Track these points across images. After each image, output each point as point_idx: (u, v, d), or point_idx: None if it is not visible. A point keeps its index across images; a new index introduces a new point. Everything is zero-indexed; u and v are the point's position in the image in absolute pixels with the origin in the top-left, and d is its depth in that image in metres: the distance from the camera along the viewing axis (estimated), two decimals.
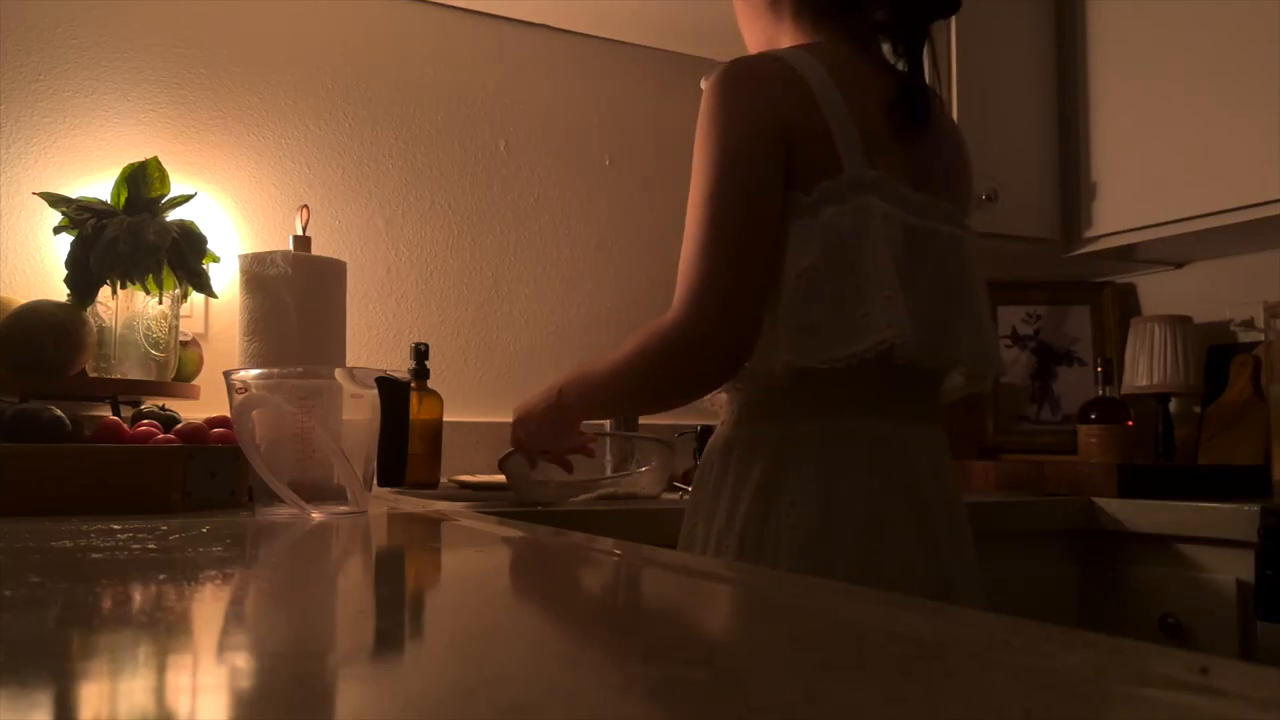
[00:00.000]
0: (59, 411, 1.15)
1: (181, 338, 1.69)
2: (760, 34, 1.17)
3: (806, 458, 1.01)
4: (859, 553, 0.99)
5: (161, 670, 0.38)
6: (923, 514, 1.03)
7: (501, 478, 1.84)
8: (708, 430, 1.97)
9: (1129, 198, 1.90)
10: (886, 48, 1.13)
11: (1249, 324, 2.00)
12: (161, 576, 0.62)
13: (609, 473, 1.99)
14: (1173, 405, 2.02)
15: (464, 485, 1.80)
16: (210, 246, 1.64)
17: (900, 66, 1.11)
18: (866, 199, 0.99)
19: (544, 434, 1.22)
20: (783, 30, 1.14)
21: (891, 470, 1.03)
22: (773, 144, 0.99)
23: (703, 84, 1.05)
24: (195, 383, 1.69)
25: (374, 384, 1.06)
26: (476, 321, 2.08)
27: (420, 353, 1.83)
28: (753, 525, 1.02)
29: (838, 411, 1.02)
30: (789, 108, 1.00)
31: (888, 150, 1.04)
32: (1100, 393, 1.92)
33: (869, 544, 0.99)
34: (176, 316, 1.63)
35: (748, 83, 1.02)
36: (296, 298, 1.56)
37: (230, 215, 1.88)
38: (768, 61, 1.04)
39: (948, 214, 1.09)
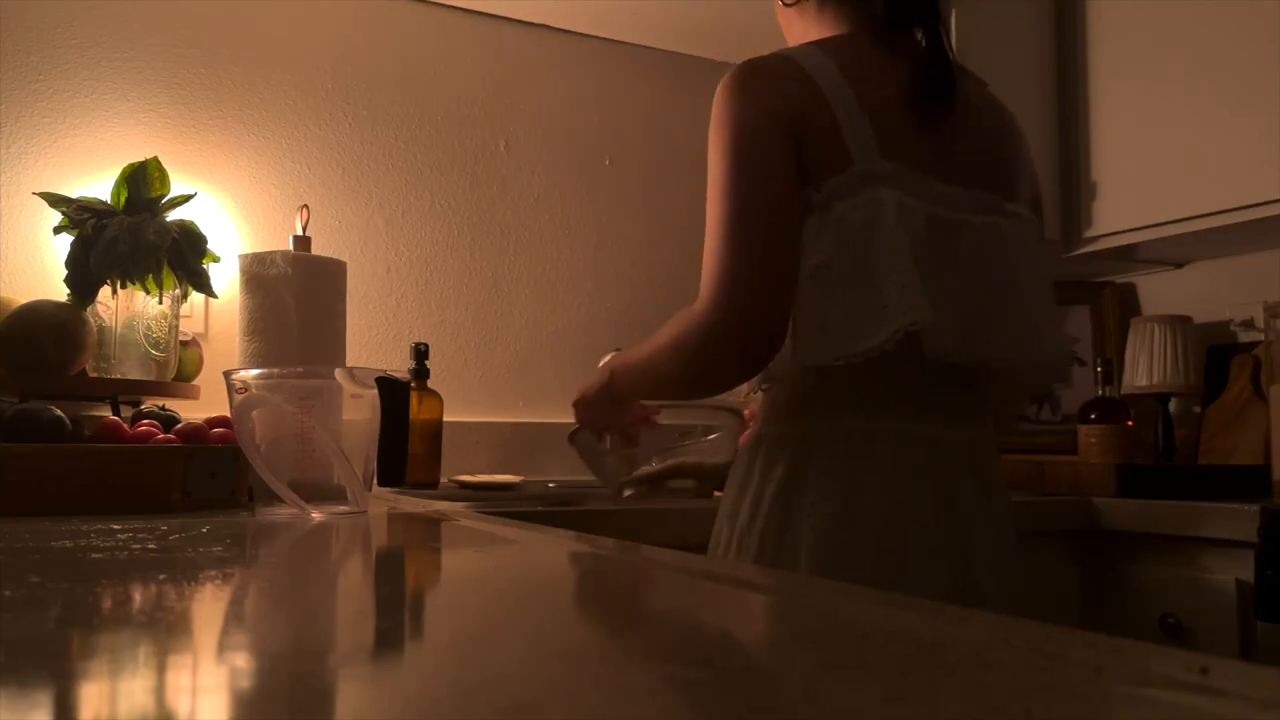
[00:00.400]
0: (59, 411, 1.15)
1: (181, 338, 1.69)
2: (800, 36, 1.16)
3: (829, 457, 1.01)
4: (878, 554, 0.98)
5: (161, 670, 0.38)
6: (952, 516, 1.00)
7: (501, 478, 1.85)
8: (707, 430, 1.97)
9: (1129, 198, 1.90)
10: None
11: (1249, 324, 2.00)
12: (161, 576, 0.62)
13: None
14: (1173, 405, 2.02)
15: (464, 485, 1.80)
16: (210, 246, 1.64)
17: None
18: (879, 192, 0.98)
19: (602, 413, 1.27)
20: (811, 28, 1.12)
21: (918, 470, 1.00)
22: (783, 140, 0.99)
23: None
24: (195, 383, 1.69)
25: (374, 384, 1.06)
26: (476, 321, 2.08)
27: (420, 353, 1.83)
28: (774, 524, 1.01)
29: (864, 410, 1.01)
30: (797, 105, 1.00)
31: (908, 141, 1.01)
32: (1100, 393, 1.92)
33: (888, 546, 0.98)
34: (176, 316, 1.63)
35: (756, 82, 1.02)
36: (296, 298, 1.56)
37: (230, 215, 1.88)
38: (776, 61, 1.04)
39: (984, 203, 1.04)
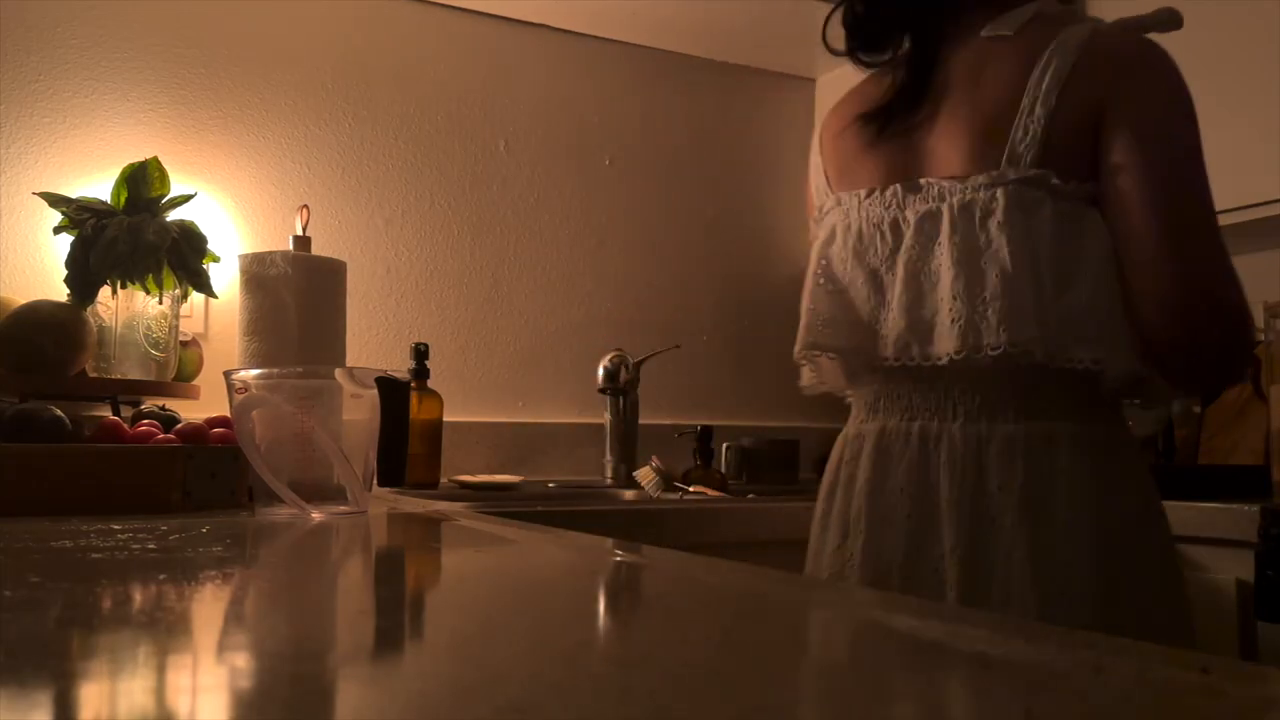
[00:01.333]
0: (59, 411, 1.15)
1: (181, 338, 1.69)
2: None
3: (835, 459, 1.12)
4: (838, 547, 1.06)
5: (161, 670, 0.38)
6: (922, 512, 0.99)
7: (501, 478, 1.85)
8: (707, 430, 1.97)
9: None
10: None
11: None
12: (161, 576, 0.62)
13: (609, 474, 1.99)
14: (1173, 405, 2.01)
15: (464, 485, 1.80)
16: (210, 246, 1.64)
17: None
18: (820, 227, 1.11)
19: None
20: None
21: (890, 464, 1.03)
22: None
23: None
24: (195, 383, 1.69)
25: (374, 384, 1.06)
26: (476, 321, 2.08)
27: (420, 353, 1.83)
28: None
29: (861, 413, 1.10)
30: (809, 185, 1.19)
31: (862, 162, 1.08)
32: None
33: (852, 540, 1.04)
34: (176, 316, 1.63)
35: None
36: (296, 298, 1.56)
37: (230, 215, 1.88)
38: None
39: (928, 193, 1.00)
